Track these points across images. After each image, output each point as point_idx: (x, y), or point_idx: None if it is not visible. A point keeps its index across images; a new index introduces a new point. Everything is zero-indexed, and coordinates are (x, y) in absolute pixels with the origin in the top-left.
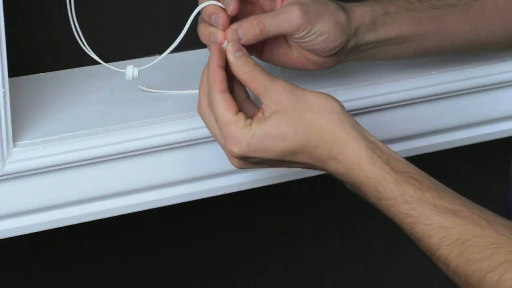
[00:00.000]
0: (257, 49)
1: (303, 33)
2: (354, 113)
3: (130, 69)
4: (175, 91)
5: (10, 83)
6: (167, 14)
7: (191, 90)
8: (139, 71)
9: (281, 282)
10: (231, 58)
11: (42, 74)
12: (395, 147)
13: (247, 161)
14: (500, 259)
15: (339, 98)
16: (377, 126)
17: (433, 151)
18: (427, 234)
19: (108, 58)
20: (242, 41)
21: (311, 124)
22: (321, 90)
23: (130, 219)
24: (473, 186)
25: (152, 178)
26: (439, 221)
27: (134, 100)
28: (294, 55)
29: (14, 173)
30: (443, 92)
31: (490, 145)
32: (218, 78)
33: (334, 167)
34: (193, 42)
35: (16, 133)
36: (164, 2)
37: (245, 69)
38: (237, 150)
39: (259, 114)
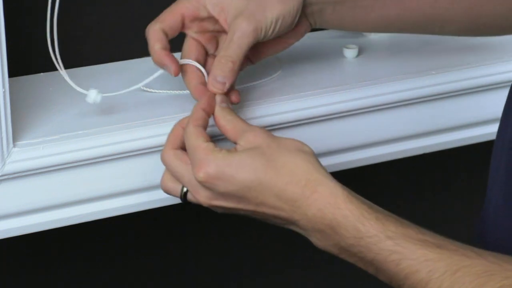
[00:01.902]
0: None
1: (263, 33)
2: (354, 113)
3: (93, 93)
4: (175, 91)
5: (10, 83)
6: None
7: None
8: (101, 97)
9: (280, 282)
10: (217, 108)
11: (42, 74)
12: (395, 147)
13: (213, 192)
14: (495, 286)
15: (339, 98)
16: (377, 126)
17: (433, 151)
18: (414, 269)
19: (108, 58)
20: (228, 83)
21: (284, 161)
22: (321, 90)
23: (130, 219)
24: (473, 186)
25: (152, 178)
26: (425, 254)
27: (134, 100)
28: (276, 43)
29: (14, 173)
30: (443, 92)
31: (490, 145)
32: (197, 116)
33: (306, 207)
34: None
35: (16, 133)
36: (164, 2)
37: (228, 116)
38: (203, 173)
39: (232, 149)
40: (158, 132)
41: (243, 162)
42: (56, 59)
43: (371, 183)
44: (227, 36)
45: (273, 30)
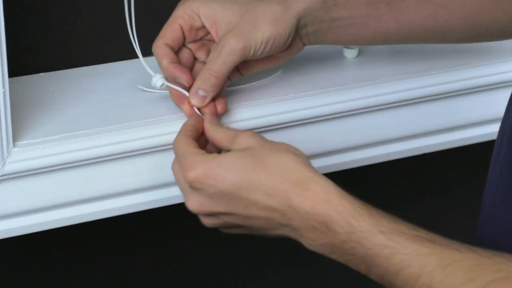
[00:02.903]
0: (236, 70)
1: (251, 53)
2: (354, 113)
3: (157, 77)
4: None
5: (10, 83)
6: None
7: None
8: (162, 84)
9: (280, 282)
10: (205, 123)
11: (42, 74)
12: (395, 147)
13: (202, 195)
14: (486, 280)
15: (339, 98)
16: (377, 126)
17: (433, 151)
18: (406, 264)
19: (108, 58)
20: (209, 97)
21: (275, 161)
22: (321, 90)
23: (130, 219)
24: (473, 186)
25: (152, 178)
26: (417, 249)
27: (134, 100)
28: (267, 59)
29: (14, 173)
30: (443, 92)
31: (490, 145)
32: (187, 127)
33: (299, 205)
34: None
35: (16, 133)
36: (164, 2)
37: (218, 128)
38: (192, 173)
39: (222, 153)
40: (158, 132)
41: (233, 162)
42: (136, 44)
43: (371, 183)
44: (216, 51)
45: (263, 51)
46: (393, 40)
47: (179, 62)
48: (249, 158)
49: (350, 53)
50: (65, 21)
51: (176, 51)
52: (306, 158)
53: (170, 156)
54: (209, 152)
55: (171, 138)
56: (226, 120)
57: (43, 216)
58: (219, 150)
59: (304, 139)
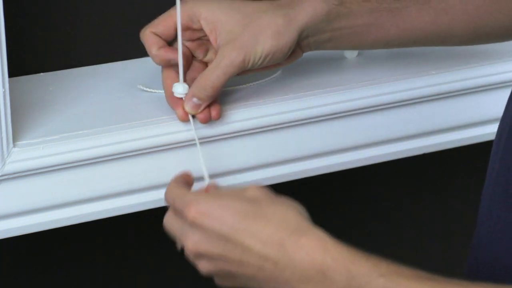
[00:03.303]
0: None
1: (250, 65)
2: (354, 113)
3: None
4: None
5: (10, 83)
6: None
7: None
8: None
9: None
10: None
11: (42, 74)
12: (395, 147)
13: (200, 234)
14: None
15: (339, 98)
16: (377, 126)
17: (433, 151)
18: None
19: (108, 58)
20: (203, 106)
21: (275, 210)
22: (321, 90)
23: (130, 219)
24: (473, 186)
25: (152, 178)
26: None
27: (134, 100)
28: (264, 67)
29: (14, 173)
30: (443, 92)
31: (490, 145)
32: (179, 177)
33: (294, 252)
34: None
35: (16, 133)
36: (164, 2)
37: (224, 189)
38: (194, 208)
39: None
40: (158, 132)
41: (233, 205)
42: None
43: (371, 183)
44: (215, 59)
45: (261, 63)
46: (394, 45)
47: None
48: (250, 205)
49: (350, 53)
50: (65, 21)
51: (169, 44)
52: (307, 215)
53: (170, 156)
54: None
55: (171, 138)
56: (226, 120)
57: (43, 216)
58: None
59: (304, 139)
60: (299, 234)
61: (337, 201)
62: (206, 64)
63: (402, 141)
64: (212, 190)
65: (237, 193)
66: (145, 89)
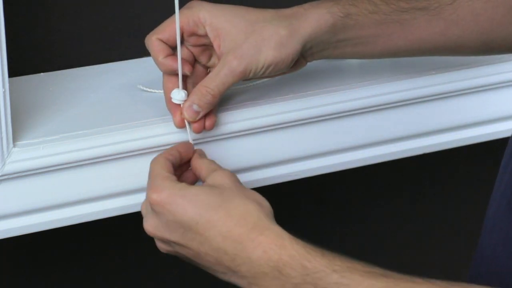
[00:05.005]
0: None
1: (251, 75)
2: (354, 113)
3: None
4: None
5: (10, 83)
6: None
7: None
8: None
9: None
10: (196, 153)
11: (42, 74)
12: (395, 147)
13: (160, 219)
14: None
15: (339, 98)
16: (377, 126)
17: (433, 151)
18: None
19: (108, 58)
20: (201, 113)
21: (237, 204)
22: (321, 90)
23: (130, 219)
24: (473, 186)
25: None
26: (371, 284)
27: (134, 100)
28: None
29: (14, 173)
30: (443, 92)
31: (490, 145)
32: (172, 151)
33: (251, 250)
34: None
35: (16, 133)
36: (164, 2)
37: (204, 159)
38: (156, 195)
39: (194, 184)
40: (158, 132)
41: (197, 197)
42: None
43: (371, 183)
44: (216, 67)
45: (263, 73)
46: (402, 55)
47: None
48: (214, 196)
49: None
50: (65, 21)
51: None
52: (270, 210)
53: None
54: (182, 181)
55: (171, 138)
56: (226, 120)
57: (43, 216)
58: (193, 183)
59: (304, 139)
60: (258, 231)
61: (337, 201)
62: (208, 69)
63: (402, 141)
64: (195, 156)
65: (207, 172)
66: (145, 89)
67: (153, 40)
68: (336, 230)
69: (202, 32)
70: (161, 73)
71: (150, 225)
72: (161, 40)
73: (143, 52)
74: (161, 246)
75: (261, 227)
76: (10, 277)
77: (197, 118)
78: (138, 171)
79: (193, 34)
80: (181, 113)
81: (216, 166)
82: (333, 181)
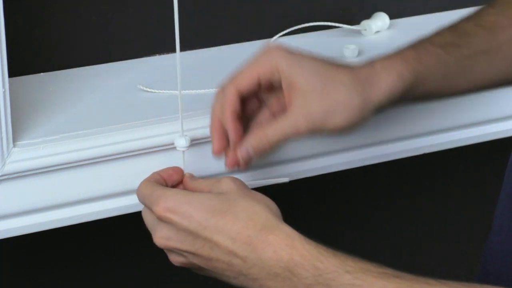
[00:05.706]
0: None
1: (315, 134)
2: None
3: (180, 140)
4: (175, 91)
5: (10, 83)
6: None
7: (191, 90)
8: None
9: None
10: (186, 178)
11: (42, 74)
12: (395, 147)
13: (169, 230)
14: None
15: None
16: (377, 126)
17: (433, 151)
18: None
19: (108, 58)
20: (250, 157)
21: (244, 206)
22: None
23: (130, 219)
24: (473, 186)
25: None
26: (384, 285)
27: (134, 100)
28: None
29: (14, 173)
30: None
31: (490, 145)
32: (155, 176)
33: (261, 250)
34: (193, 42)
35: (16, 133)
36: (164, 2)
37: (198, 180)
38: (161, 206)
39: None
40: (158, 132)
41: (202, 202)
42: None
43: (371, 183)
44: (281, 118)
45: (328, 135)
46: (462, 95)
47: (243, 110)
48: (220, 201)
49: (350, 53)
50: (65, 21)
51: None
52: (278, 211)
53: (170, 156)
54: None
55: (171, 138)
56: None
57: (43, 216)
58: None
59: (304, 139)
60: (267, 231)
61: (337, 201)
62: (272, 113)
63: (402, 141)
64: (187, 181)
65: (209, 186)
66: (145, 89)
67: (231, 91)
68: (336, 230)
69: (277, 80)
70: (161, 73)
71: (160, 238)
72: (239, 93)
73: (143, 52)
74: (175, 259)
75: (270, 227)
76: (10, 277)
77: (245, 161)
78: (138, 171)
79: (268, 81)
80: (235, 151)
81: (215, 179)
82: (333, 181)
